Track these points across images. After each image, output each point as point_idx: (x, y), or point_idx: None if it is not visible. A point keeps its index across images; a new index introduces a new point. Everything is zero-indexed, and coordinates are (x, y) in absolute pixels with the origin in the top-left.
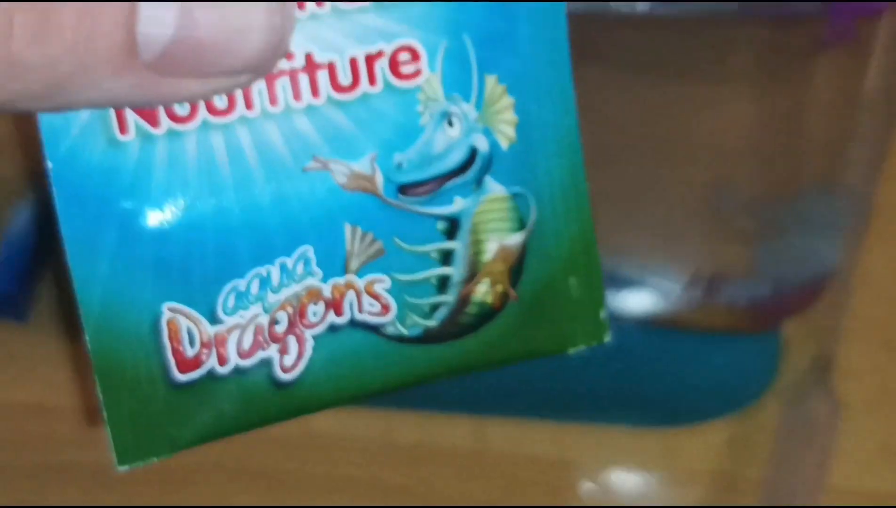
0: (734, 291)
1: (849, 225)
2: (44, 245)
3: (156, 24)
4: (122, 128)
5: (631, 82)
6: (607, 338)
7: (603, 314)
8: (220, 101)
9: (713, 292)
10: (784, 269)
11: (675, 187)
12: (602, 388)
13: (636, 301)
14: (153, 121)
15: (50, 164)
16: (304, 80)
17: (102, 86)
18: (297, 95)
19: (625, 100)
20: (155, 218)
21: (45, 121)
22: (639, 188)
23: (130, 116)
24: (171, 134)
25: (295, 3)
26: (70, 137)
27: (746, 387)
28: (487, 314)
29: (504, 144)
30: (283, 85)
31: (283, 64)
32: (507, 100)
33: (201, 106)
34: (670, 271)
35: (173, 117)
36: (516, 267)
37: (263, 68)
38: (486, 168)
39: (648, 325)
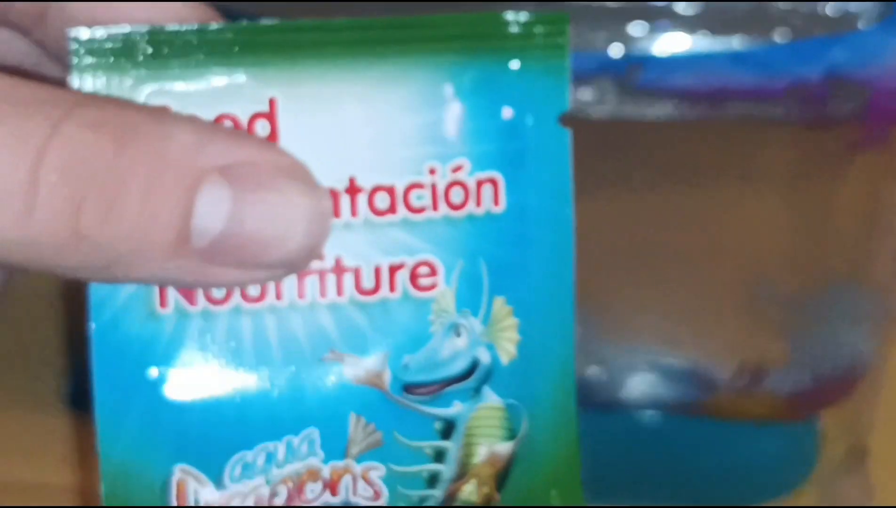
0: (774, 381)
1: (880, 319)
2: None
3: (209, 218)
4: (163, 302)
5: (673, 184)
6: None
7: None
8: (253, 290)
9: (755, 382)
10: (820, 361)
11: (718, 282)
12: (645, 473)
13: (684, 389)
14: (191, 300)
15: (93, 326)
16: (331, 280)
17: (153, 267)
18: (323, 293)
19: (668, 202)
20: (180, 388)
21: (94, 288)
22: (684, 283)
23: (171, 293)
24: (206, 313)
25: (332, 214)
26: (115, 306)
27: (786, 475)
28: None
29: (504, 359)
30: (312, 282)
31: (315, 264)
32: (512, 321)
33: (236, 291)
34: (715, 362)
35: (209, 298)
36: (503, 472)
37: (298, 267)
38: (486, 379)
39: (693, 413)
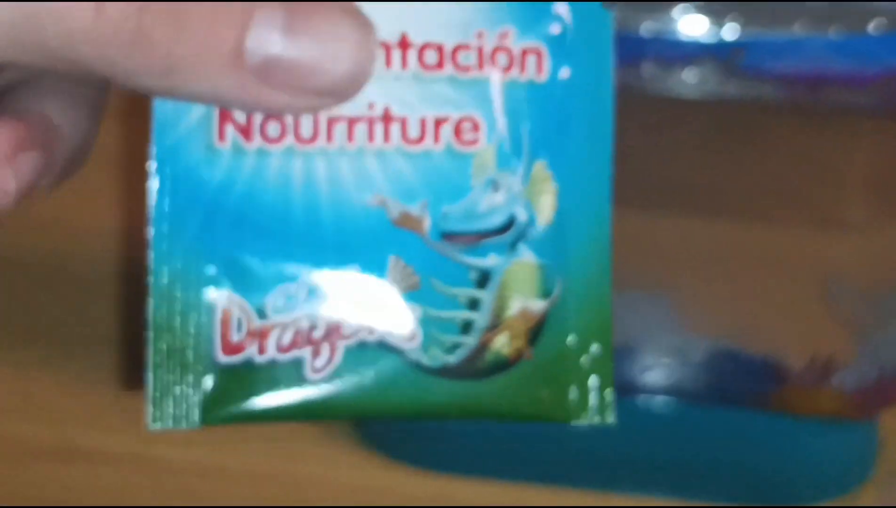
0: (841, 378)
1: None
2: None
3: (263, 37)
4: (221, 135)
5: (752, 176)
6: (610, 419)
7: (609, 395)
8: (306, 130)
9: (824, 377)
10: (887, 361)
11: (793, 276)
12: (707, 464)
13: (754, 380)
14: (248, 137)
15: (155, 149)
16: (379, 127)
17: (209, 78)
18: (371, 139)
19: (747, 194)
20: (232, 218)
21: (159, 111)
22: (761, 276)
23: (229, 128)
24: (260, 151)
25: (378, 46)
26: (176, 134)
27: (844, 474)
28: (502, 364)
29: (541, 221)
30: (361, 128)
31: (365, 111)
32: (551, 186)
33: (290, 132)
34: (787, 355)
35: (265, 136)
36: (535, 329)
37: (344, 94)
38: (522, 236)
39: (760, 405)
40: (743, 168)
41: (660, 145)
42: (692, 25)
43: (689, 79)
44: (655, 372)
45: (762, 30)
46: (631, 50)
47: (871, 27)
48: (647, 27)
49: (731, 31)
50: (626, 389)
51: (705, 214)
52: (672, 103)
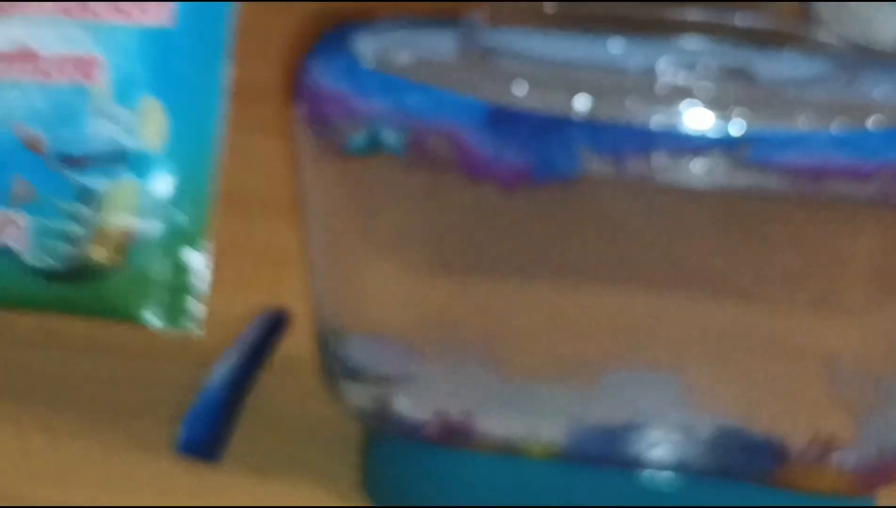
0: (843, 456)
1: None
2: (237, 396)
3: None
4: None
5: (754, 257)
6: (191, 327)
7: (191, 305)
8: None
9: (825, 455)
10: (887, 440)
11: (796, 359)
12: None
13: (755, 457)
14: None
15: None
16: (18, 62)
17: None
18: (11, 72)
19: (750, 275)
20: None
21: None
22: (765, 358)
23: None
24: None
25: None
26: None
27: None
28: (97, 272)
29: (147, 148)
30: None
31: (7, 47)
32: (162, 120)
33: None
34: (790, 433)
35: None
36: (131, 244)
37: None
38: (127, 162)
39: (760, 482)
40: (749, 254)
41: (669, 232)
42: (700, 119)
43: (698, 170)
44: (662, 448)
45: (767, 124)
46: (642, 142)
47: (870, 123)
48: (657, 120)
49: (737, 126)
50: (633, 464)
51: (713, 298)
52: (681, 193)
